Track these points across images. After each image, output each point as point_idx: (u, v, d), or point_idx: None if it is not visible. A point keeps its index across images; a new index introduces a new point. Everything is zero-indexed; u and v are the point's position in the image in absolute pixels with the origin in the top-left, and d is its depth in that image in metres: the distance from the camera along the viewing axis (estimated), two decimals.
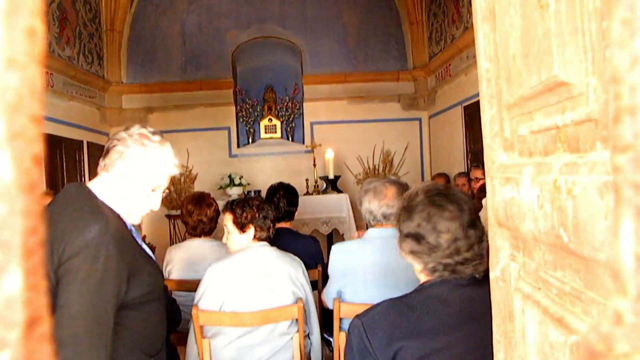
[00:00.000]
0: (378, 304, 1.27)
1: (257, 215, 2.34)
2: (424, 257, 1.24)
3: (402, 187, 2.30)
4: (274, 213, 2.50)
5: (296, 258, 2.39)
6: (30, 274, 0.25)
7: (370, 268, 2.21)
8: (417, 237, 1.25)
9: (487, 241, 1.17)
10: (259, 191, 6.50)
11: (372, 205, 2.26)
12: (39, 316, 0.25)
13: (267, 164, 7.85)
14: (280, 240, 2.67)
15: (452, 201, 1.23)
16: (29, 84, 0.26)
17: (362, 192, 2.32)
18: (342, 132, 7.80)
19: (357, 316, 1.25)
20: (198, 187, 7.47)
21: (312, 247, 3.11)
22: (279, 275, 2.27)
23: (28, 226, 0.25)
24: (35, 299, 0.25)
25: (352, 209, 6.47)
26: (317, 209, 6.30)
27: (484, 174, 4.37)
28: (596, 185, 0.43)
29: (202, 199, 3.03)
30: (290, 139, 8.19)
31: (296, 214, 3.27)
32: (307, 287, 2.36)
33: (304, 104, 8.01)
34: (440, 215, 1.22)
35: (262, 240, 2.37)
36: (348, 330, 1.26)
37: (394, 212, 2.24)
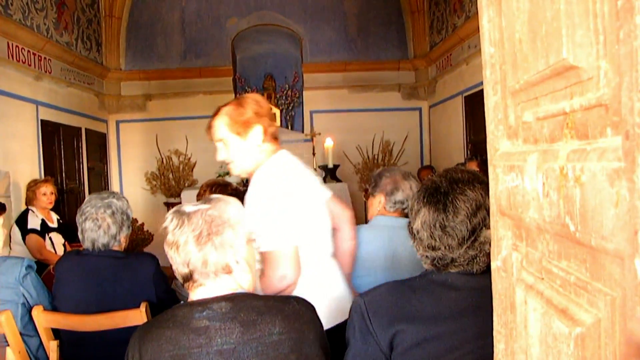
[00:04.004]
0: (381, 285, 1.27)
1: None
2: (415, 243, 1.24)
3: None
4: None
5: None
6: None
7: (375, 255, 2.20)
8: (410, 220, 1.28)
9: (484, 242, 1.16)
10: None
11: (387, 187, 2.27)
12: None
13: None
14: None
15: (437, 201, 1.20)
16: None
17: (377, 177, 2.33)
18: (342, 121, 7.76)
19: (360, 295, 1.25)
20: (197, 174, 7.45)
21: None
22: None
23: None
24: None
25: (351, 198, 6.47)
26: None
27: (478, 166, 4.30)
28: (606, 172, 0.42)
29: (225, 187, 2.82)
30: (289, 127, 8.16)
31: None
32: None
33: (304, 93, 7.97)
34: (419, 208, 1.22)
35: None
36: (350, 308, 1.26)
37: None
